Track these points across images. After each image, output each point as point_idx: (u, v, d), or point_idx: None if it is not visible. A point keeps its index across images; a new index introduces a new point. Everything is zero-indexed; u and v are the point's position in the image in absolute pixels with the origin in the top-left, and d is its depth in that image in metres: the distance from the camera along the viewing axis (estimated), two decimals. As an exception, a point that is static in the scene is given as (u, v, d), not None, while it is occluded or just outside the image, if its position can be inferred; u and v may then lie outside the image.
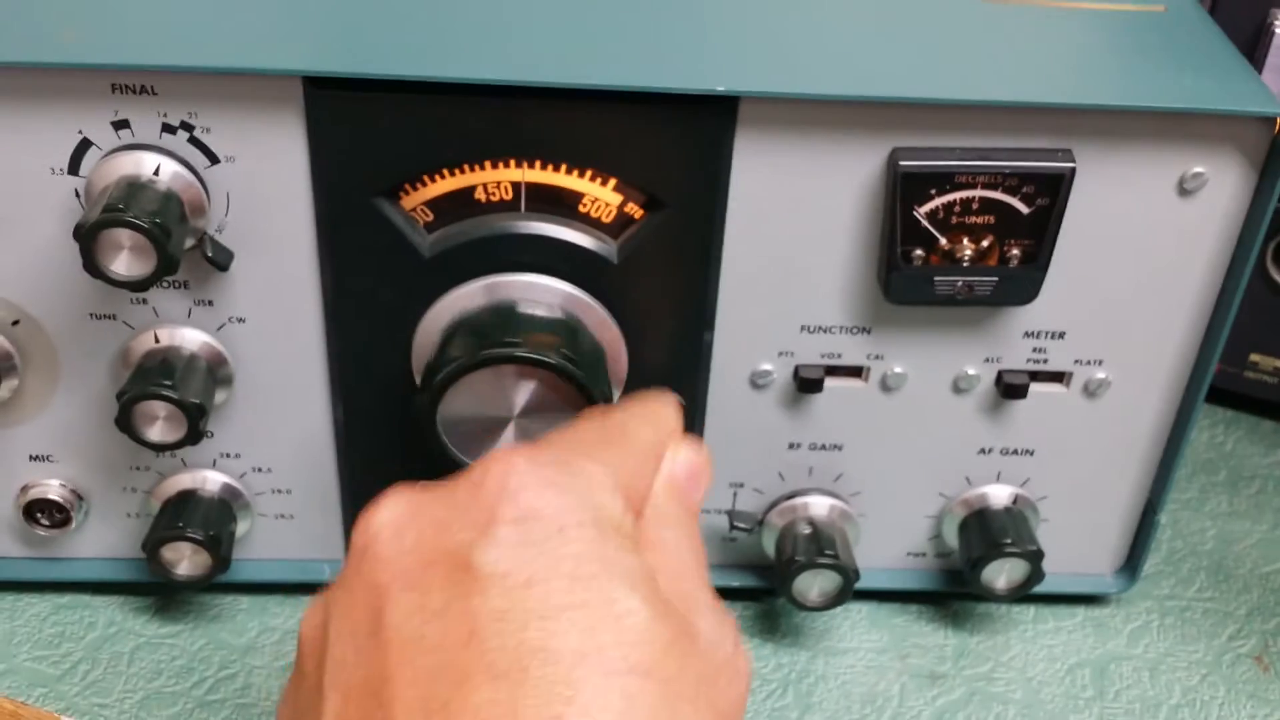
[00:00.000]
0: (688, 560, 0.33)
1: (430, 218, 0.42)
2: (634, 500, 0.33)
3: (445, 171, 0.41)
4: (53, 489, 0.47)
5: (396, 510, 0.31)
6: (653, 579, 0.30)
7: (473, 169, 0.41)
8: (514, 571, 0.28)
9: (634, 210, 0.42)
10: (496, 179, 0.41)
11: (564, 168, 0.41)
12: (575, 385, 0.40)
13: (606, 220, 0.42)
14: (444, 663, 0.27)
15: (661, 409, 0.36)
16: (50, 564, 0.49)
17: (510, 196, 0.41)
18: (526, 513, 0.30)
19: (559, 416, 0.41)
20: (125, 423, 0.42)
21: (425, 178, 0.41)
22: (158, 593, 0.49)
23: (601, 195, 0.41)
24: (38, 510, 0.47)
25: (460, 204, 0.41)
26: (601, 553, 0.29)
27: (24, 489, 0.47)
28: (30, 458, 0.46)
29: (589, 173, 0.41)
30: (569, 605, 0.28)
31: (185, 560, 0.46)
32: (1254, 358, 0.59)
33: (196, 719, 0.45)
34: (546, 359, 0.39)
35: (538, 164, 0.41)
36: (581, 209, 0.42)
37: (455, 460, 0.42)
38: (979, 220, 0.41)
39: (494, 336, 0.40)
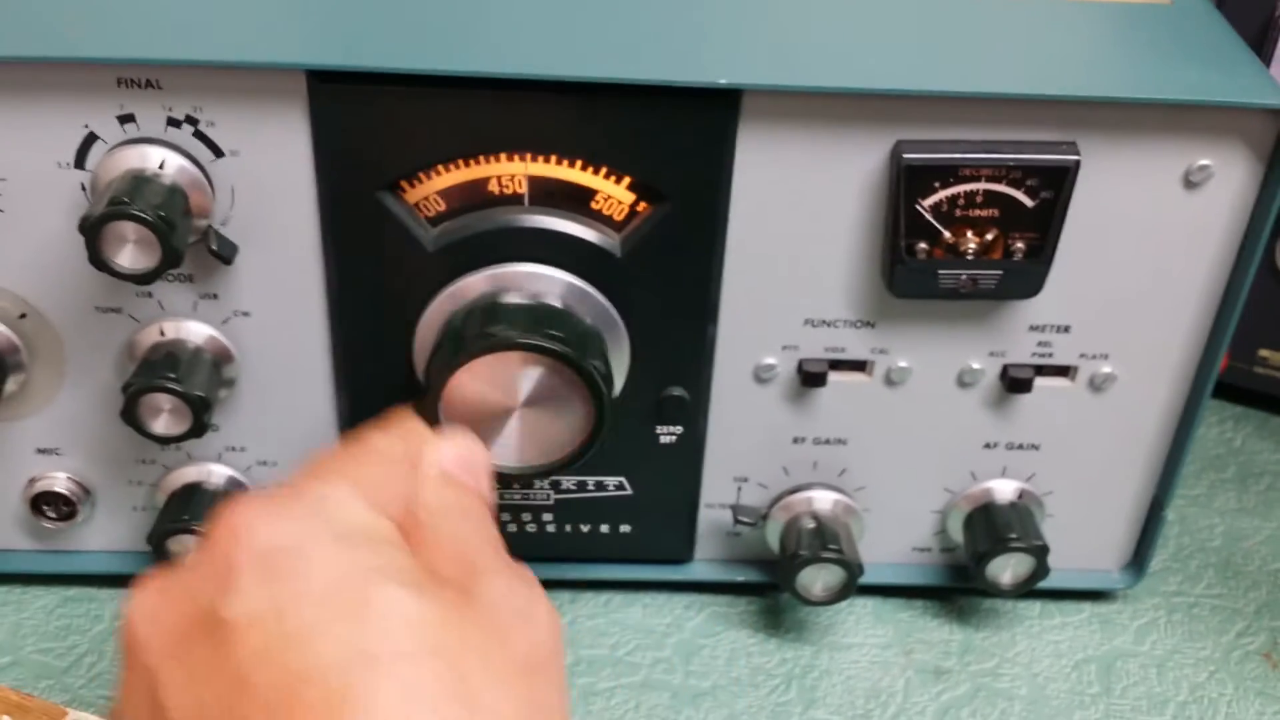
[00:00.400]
0: (467, 539, 0.33)
1: (440, 208, 0.42)
2: (389, 505, 0.33)
3: (448, 165, 0.41)
4: (59, 482, 0.47)
5: (146, 597, 0.31)
6: (411, 567, 0.30)
7: (475, 162, 0.41)
8: (264, 610, 0.29)
9: (643, 206, 0.42)
10: (499, 172, 0.41)
11: (567, 161, 0.41)
12: (578, 373, 0.40)
13: (618, 218, 0.42)
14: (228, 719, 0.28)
15: (405, 422, 0.37)
16: (57, 557, 0.49)
17: (514, 190, 0.41)
18: (262, 550, 0.30)
19: (562, 406, 0.41)
20: (130, 415, 0.42)
21: (428, 171, 0.41)
22: (164, 586, 0.50)
23: (615, 193, 0.41)
24: (44, 503, 0.47)
25: (463, 197, 0.42)
26: (350, 561, 0.30)
27: (31, 482, 0.47)
28: (37, 451, 0.47)
29: (603, 170, 0.41)
30: (326, 620, 0.28)
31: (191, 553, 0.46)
32: (1263, 353, 0.59)
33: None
34: (550, 346, 0.39)
35: (540, 157, 0.41)
36: (594, 205, 0.42)
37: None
38: (983, 213, 0.41)
39: (496, 326, 0.40)
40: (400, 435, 0.36)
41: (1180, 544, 0.55)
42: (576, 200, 0.42)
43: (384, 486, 0.34)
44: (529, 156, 0.41)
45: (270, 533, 0.30)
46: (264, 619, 0.28)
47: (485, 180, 0.41)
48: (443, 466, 0.36)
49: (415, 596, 0.29)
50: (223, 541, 0.30)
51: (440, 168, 0.41)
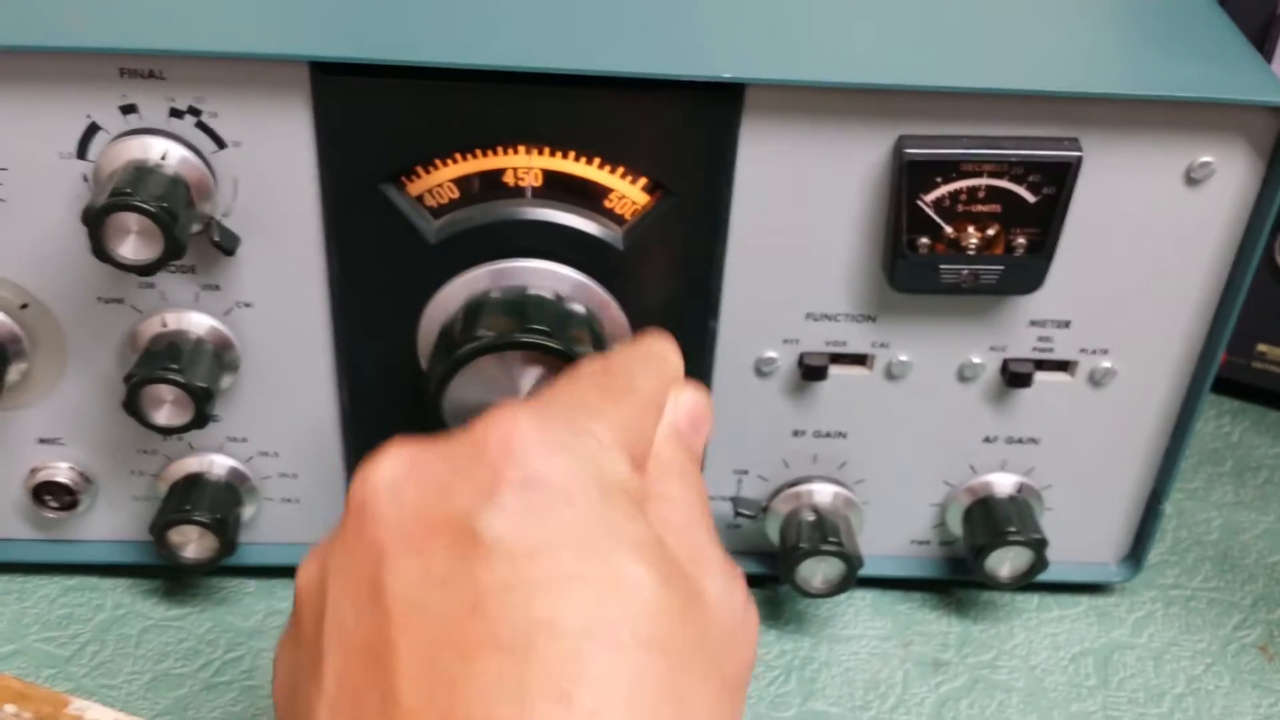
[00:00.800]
0: (695, 511, 0.32)
1: (442, 201, 0.42)
2: (638, 455, 0.32)
3: (450, 157, 0.41)
4: (61, 471, 0.47)
5: (396, 466, 0.30)
6: (660, 543, 0.29)
7: (477, 155, 0.41)
8: (519, 541, 0.28)
9: (646, 200, 0.42)
10: (501, 165, 0.41)
11: (570, 154, 0.41)
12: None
13: (628, 216, 0.42)
14: (449, 634, 0.27)
15: (663, 352, 0.35)
16: (59, 546, 0.49)
17: (516, 183, 0.41)
18: (531, 477, 0.29)
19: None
20: (133, 406, 0.42)
21: (431, 164, 0.41)
22: (165, 575, 0.50)
23: (630, 193, 0.41)
24: (46, 493, 0.47)
25: (466, 190, 0.42)
26: (608, 521, 0.29)
27: (33, 471, 0.47)
28: (39, 440, 0.47)
29: (608, 165, 0.41)
30: (575, 577, 0.27)
31: (192, 543, 0.46)
32: (1261, 348, 0.59)
33: (203, 701, 0.46)
34: (553, 344, 0.40)
35: (543, 150, 0.41)
36: (607, 204, 0.42)
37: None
38: (985, 209, 0.41)
39: (500, 322, 0.40)
40: (655, 367, 0.35)
41: (1178, 537, 0.55)
42: (580, 194, 0.42)
43: (640, 438, 0.32)
44: (531, 149, 0.41)
45: (543, 461, 0.29)
46: (517, 550, 0.27)
47: (487, 173, 0.41)
48: (677, 421, 0.34)
49: (658, 581, 0.28)
50: (494, 449, 0.29)
51: (443, 160, 0.41)
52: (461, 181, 0.41)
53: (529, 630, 0.27)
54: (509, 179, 0.41)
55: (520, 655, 0.26)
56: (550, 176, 0.41)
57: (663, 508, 0.32)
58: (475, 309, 0.41)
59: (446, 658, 0.27)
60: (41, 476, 0.47)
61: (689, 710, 0.27)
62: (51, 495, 0.48)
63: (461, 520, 0.28)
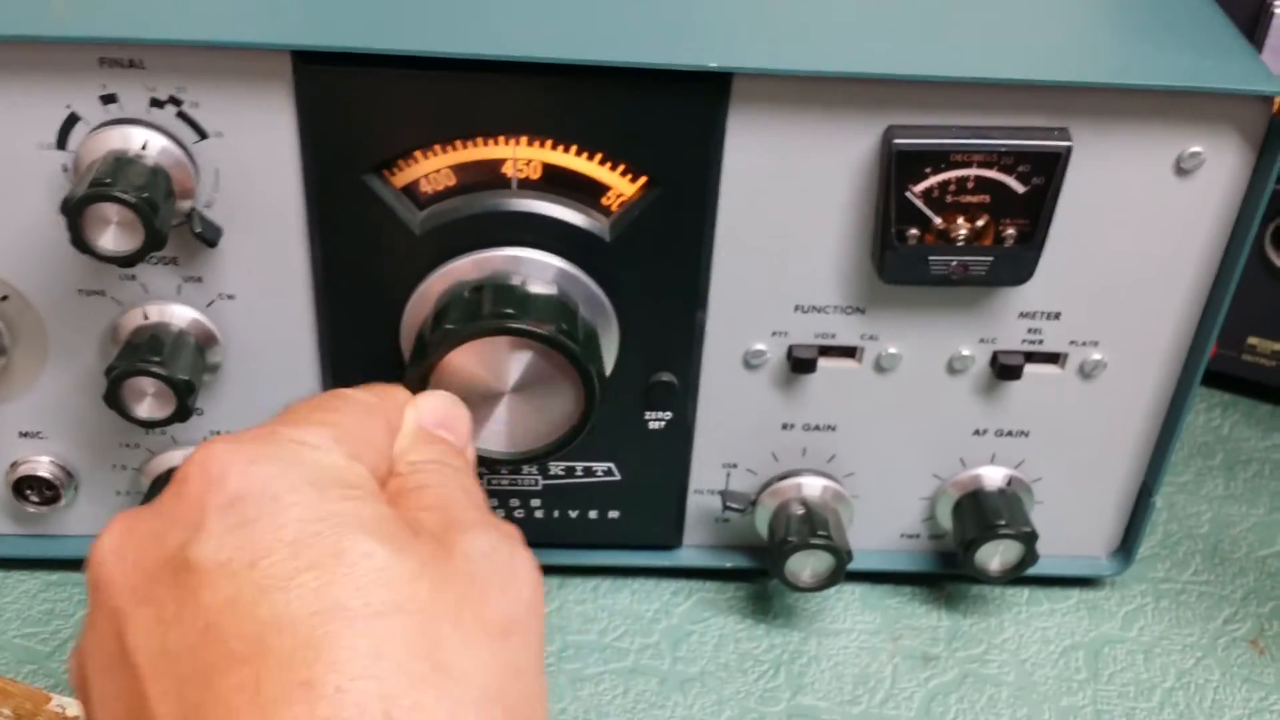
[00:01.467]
0: (447, 493, 0.33)
1: (427, 191, 0.41)
2: (366, 454, 0.32)
3: (434, 148, 0.40)
4: (42, 466, 0.47)
5: (114, 535, 0.30)
6: (391, 519, 0.30)
7: (462, 145, 0.40)
8: (235, 555, 0.28)
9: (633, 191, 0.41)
10: (486, 156, 0.41)
11: (555, 144, 0.40)
12: (568, 357, 0.40)
13: (615, 207, 0.42)
14: (191, 666, 0.27)
15: (385, 385, 0.37)
16: (40, 541, 0.49)
17: (502, 174, 0.41)
18: (235, 494, 0.29)
19: (552, 391, 0.41)
20: (114, 399, 0.42)
21: (415, 154, 0.40)
22: (148, 571, 0.49)
23: (616, 184, 0.41)
24: (27, 487, 0.47)
25: (450, 180, 0.41)
26: (323, 509, 0.29)
27: (13, 466, 0.47)
28: (19, 434, 0.46)
29: (606, 159, 0.41)
30: (298, 570, 0.28)
31: (175, 538, 0.46)
32: (1251, 340, 0.59)
33: (186, 697, 0.45)
34: (539, 330, 0.39)
35: (528, 140, 0.40)
36: (593, 195, 0.41)
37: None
38: (974, 199, 0.41)
39: (484, 310, 0.40)
40: (379, 392, 0.36)
41: (1168, 530, 0.55)
42: (566, 184, 0.41)
43: (361, 436, 0.33)
44: (515, 140, 0.40)
45: (243, 476, 0.29)
46: (234, 565, 0.28)
47: (472, 164, 0.41)
48: (422, 422, 0.35)
49: (390, 549, 0.28)
50: (194, 482, 0.30)
51: (427, 150, 0.40)
52: (446, 172, 0.41)
53: (260, 634, 0.27)
54: (494, 169, 0.41)
55: (254, 660, 0.27)
56: (536, 167, 0.41)
57: (415, 496, 0.32)
58: (452, 300, 0.41)
59: (192, 689, 0.27)
60: (22, 471, 0.47)
61: (445, 658, 0.27)
62: (32, 490, 0.47)
63: (178, 557, 0.29)
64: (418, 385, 0.40)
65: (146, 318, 0.43)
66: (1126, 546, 0.51)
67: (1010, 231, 0.41)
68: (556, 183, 0.41)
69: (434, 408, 0.36)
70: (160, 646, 0.28)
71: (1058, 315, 0.44)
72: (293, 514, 0.29)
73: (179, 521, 0.29)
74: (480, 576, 0.30)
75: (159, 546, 0.29)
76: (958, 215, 0.41)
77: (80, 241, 0.38)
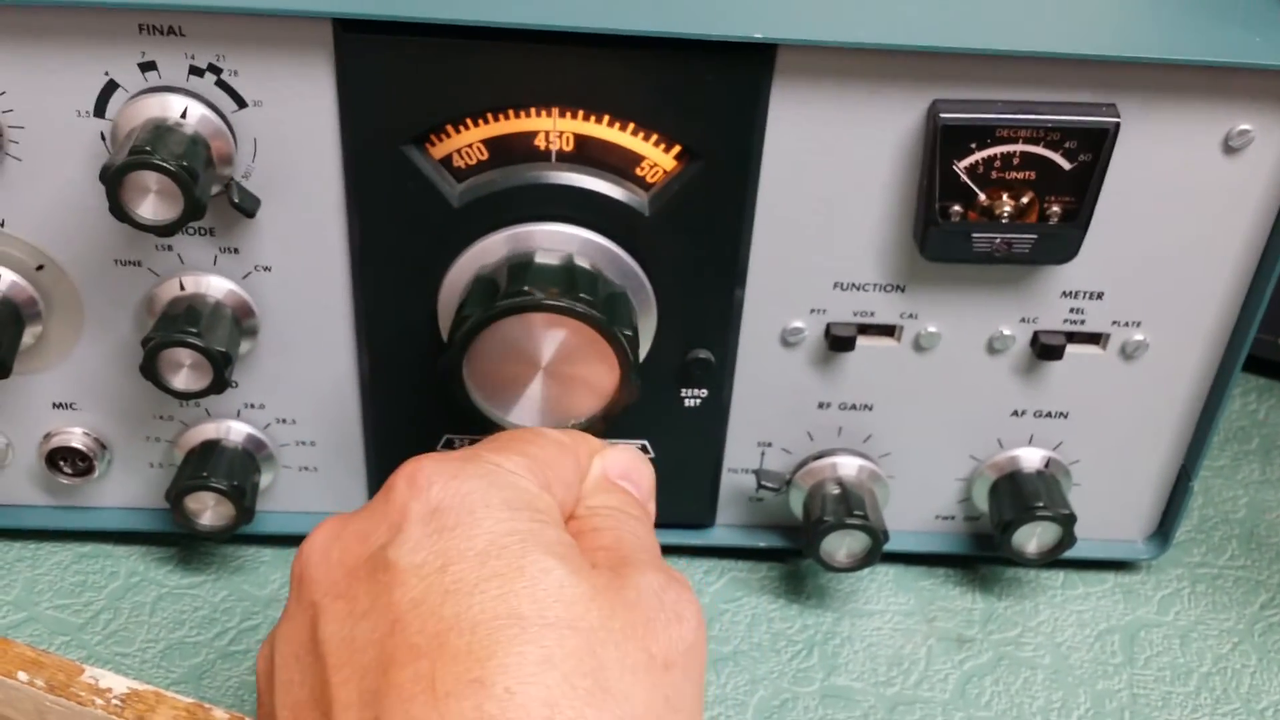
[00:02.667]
0: (624, 538, 0.34)
1: (467, 163, 0.41)
2: (555, 486, 0.35)
3: (475, 119, 0.40)
4: (76, 437, 0.46)
5: (323, 535, 0.33)
6: (572, 546, 0.32)
7: (503, 117, 0.40)
8: (429, 560, 0.30)
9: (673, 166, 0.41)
10: (527, 127, 0.40)
11: (596, 116, 0.40)
12: (604, 335, 0.39)
13: (655, 181, 0.41)
14: (374, 658, 0.29)
15: (580, 433, 0.39)
16: (73, 513, 0.49)
17: (542, 146, 0.41)
18: (436, 505, 0.31)
19: (587, 367, 0.40)
20: (150, 370, 0.41)
21: (455, 125, 0.40)
22: (180, 543, 0.49)
23: (656, 158, 0.41)
24: (60, 458, 0.47)
25: (491, 152, 0.41)
26: (513, 527, 0.31)
27: (47, 436, 0.47)
28: (53, 405, 0.46)
29: (647, 132, 0.40)
30: (483, 578, 0.30)
31: (209, 511, 0.46)
32: (1291, 325, 0.58)
33: (218, 670, 0.45)
34: (576, 309, 0.39)
35: (569, 112, 0.40)
36: (633, 169, 0.41)
37: (481, 413, 0.41)
38: (1020, 176, 0.40)
39: (522, 286, 0.39)
40: (573, 435, 0.38)
41: (1204, 515, 0.54)
42: (606, 158, 0.41)
43: (553, 470, 0.35)
44: (556, 111, 0.40)
45: (445, 489, 0.32)
46: (427, 568, 0.30)
47: (511, 136, 0.41)
48: (607, 472, 0.37)
49: (567, 570, 0.30)
50: (400, 491, 0.32)
51: (467, 122, 0.40)
52: (485, 144, 0.41)
53: (440, 632, 0.29)
54: (533, 142, 0.41)
55: (433, 655, 0.28)
56: (576, 140, 0.41)
57: (592, 537, 0.34)
58: (487, 277, 0.41)
59: (372, 678, 0.29)
60: (56, 442, 0.46)
61: (608, 679, 0.29)
62: (66, 461, 0.47)
63: (377, 557, 0.31)
64: (455, 362, 0.39)
65: (183, 288, 0.43)
66: (1164, 530, 0.50)
67: (1055, 209, 0.41)
68: (596, 156, 0.41)
69: (620, 460, 0.38)
70: (349, 636, 0.30)
71: (1100, 295, 0.44)
72: (485, 527, 0.31)
73: (384, 524, 0.32)
74: (648, 610, 0.31)
75: (362, 546, 0.32)
76: (1002, 192, 0.41)
77: (119, 210, 0.38)
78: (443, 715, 0.27)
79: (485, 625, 0.29)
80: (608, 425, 0.42)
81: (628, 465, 0.38)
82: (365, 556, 0.31)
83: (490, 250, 0.42)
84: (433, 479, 0.32)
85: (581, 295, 0.39)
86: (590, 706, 0.28)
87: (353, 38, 0.38)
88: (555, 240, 0.41)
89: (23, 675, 0.41)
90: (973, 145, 0.40)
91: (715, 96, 0.39)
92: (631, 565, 0.33)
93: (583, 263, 0.41)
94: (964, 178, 0.40)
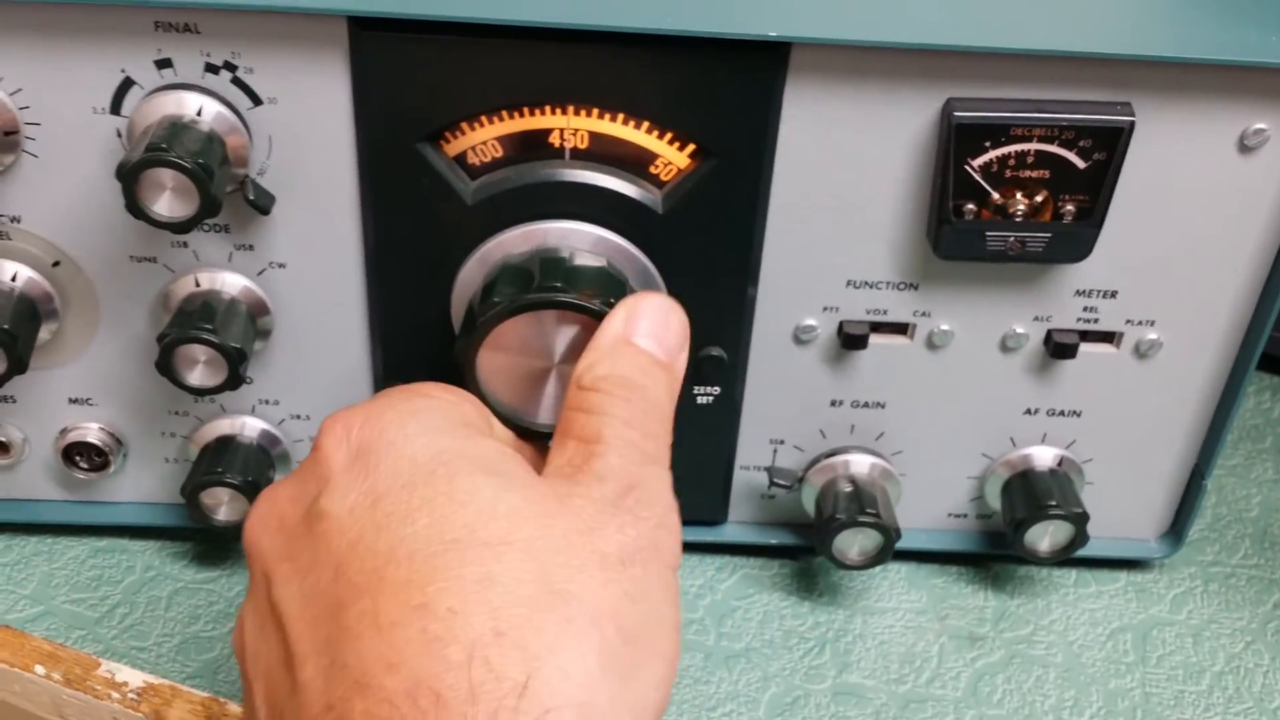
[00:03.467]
0: (609, 428, 0.33)
1: (481, 161, 0.41)
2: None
3: (489, 117, 0.40)
4: (92, 432, 0.47)
5: (260, 507, 0.33)
6: (504, 454, 0.32)
7: (517, 115, 0.40)
8: (359, 500, 0.30)
9: (687, 163, 0.41)
10: (541, 125, 0.40)
11: (610, 115, 0.40)
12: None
13: (668, 179, 0.41)
14: (323, 605, 0.29)
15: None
16: (89, 507, 0.49)
17: (556, 143, 0.41)
18: (358, 447, 0.32)
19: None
20: (166, 366, 0.42)
21: (469, 123, 0.40)
22: (195, 538, 0.50)
23: (670, 156, 0.41)
24: (76, 453, 0.47)
25: (505, 150, 0.41)
26: (437, 449, 0.31)
27: (63, 432, 0.47)
28: (70, 400, 0.46)
29: (660, 130, 0.40)
30: (413, 508, 0.30)
31: (224, 506, 0.46)
32: (1306, 323, 0.58)
33: (234, 665, 0.45)
34: (588, 305, 0.39)
35: (584, 110, 0.40)
36: (647, 167, 0.41)
37: (495, 409, 0.41)
38: (1034, 174, 0.40)
39: (534, 283, 0.39)
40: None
41: (1217, 514, 0.54)
42: (620, 155, 0.41)
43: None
44: (570, 109, 0.40)
45: (363, 431, 0.32)
46: (358, 509, 0.30)
47: (525, 133, 0.41)
48: (629, 331, 0.36)
49: (497, 485, 0.30)
50: (324, 446, 0.32)
51: (481, 119, 0.40)
52: (500, 141, 0.41)
53: (378, 567, 0.29)
54: (547, 140, 0.41)
55: (374, 591, 0.29)
56: (590, 137, 0.41)
57: (573, 423, 0.34)
58: (501, 273, 0.41)
59: (324, 626, 0.29)
60: (72, 437, 0.47)
61: (553, 582, 0.29)
62: (82, 456, 0.47)
63: (312, 511, 0.31)
64: (467, 357, 0.40)
65: (198, 285, 0.43)
66: (1176, 529, 0.50)
67: (1069, 208, 0.41)
68: (610, 154, 0.41)
69: (643, 314, 0.36)
70: (299, 593, 0.30)
71: (1114, 294, 0.44)
72: (407, 455, 0.31)
73: (312, 481, 0.32)
74: (594, 516, 0.31)
75: (297, 506, 0.32)
76: (1016, 190, 0.41)
77: (135, 207, 0.38)
78: (391, 644, 0.28)
79: (421, 554, 0.29)
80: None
81: (653, 320, 0.36)
82: (300, 515, 0.32)
83: (504, 247, 0.42)
84: (350, 425, 0.32)
85: (612, 301, 0.39)
86: (536, 610, 0.28)
87: (368, 35, 0.38)
88: (568, 238, 0.41)
89: (40, 669, 0.41)
90: (987, 144, 0.40)
91: (729, 95, 0.39)
92: (593, 464, 0.32)
93: (594, 260, 0.41)
94: (977, 176, 0.40)
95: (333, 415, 0.33)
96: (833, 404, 0.47)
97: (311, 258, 0.43)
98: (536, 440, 0.40)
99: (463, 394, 0.35)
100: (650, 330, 0.36)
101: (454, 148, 0.41)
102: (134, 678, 0.43)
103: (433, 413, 0.33)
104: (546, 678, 0.27)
